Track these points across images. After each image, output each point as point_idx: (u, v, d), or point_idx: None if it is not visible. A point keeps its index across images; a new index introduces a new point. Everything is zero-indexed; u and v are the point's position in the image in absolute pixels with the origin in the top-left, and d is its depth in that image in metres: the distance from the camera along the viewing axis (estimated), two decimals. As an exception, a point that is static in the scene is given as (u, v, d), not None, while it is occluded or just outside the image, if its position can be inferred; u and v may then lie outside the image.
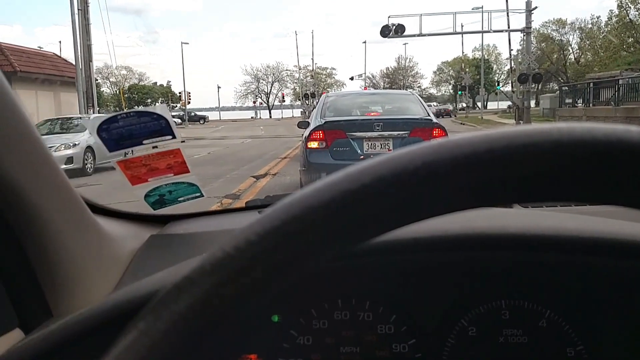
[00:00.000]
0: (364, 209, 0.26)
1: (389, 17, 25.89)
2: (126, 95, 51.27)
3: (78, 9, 15.93)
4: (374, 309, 0.69)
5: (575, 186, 0.26)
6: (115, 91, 58.65)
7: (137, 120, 0.69)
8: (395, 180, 0.26)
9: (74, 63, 16.11)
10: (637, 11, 38.07)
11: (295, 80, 65.96)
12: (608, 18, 42.81)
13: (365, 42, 70.67)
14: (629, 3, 38.29)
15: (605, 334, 0.67)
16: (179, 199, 0.87)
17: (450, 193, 0.26)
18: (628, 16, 38.66)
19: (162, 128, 0.70)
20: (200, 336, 0.27)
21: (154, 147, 0.75)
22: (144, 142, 0.71)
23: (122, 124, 0.69)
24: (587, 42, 47.94)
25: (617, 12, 40.30)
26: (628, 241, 0.59)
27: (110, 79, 62.37)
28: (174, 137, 0.72)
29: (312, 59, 58.87)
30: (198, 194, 0.90)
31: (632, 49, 38.83)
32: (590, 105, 21.50)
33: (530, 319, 0.68)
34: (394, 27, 25.02)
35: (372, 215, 0.26)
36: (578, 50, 49.45)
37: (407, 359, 0.67)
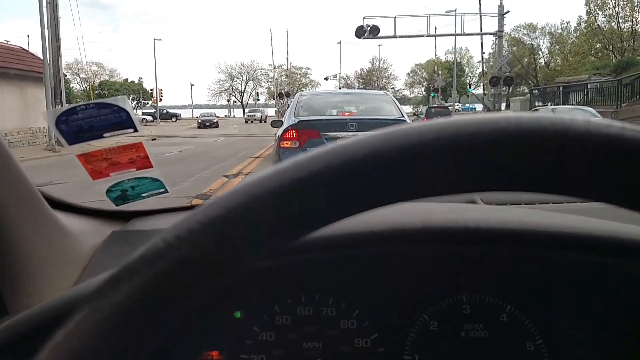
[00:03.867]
0: (312, 197, 0.25)
1: (363, 18, 26.10)
2: (96, 92, 50.30)
3: (47, 2, 15.54)
4: (337, 304, 0.69)
5: (523, 175, 0.26)
6: (85, 87, 57.53)
7: (97, 112, 0.67)
8: (343, 169, 0.25)
9: (42, 58, 15.70)
10: (605, 17, 39.16)
11: (270, 79, 65.75)
12: (577, 24, 43.97)
13: (340, 43, 70.88)
14: (597, 9, 39.35)
15: (563, 328, 0.68)
16: (143, 195, 0.86)
17: (398, 182, 0.26)
18: (596, 22, 39.73)
19: (122, 121, 0.68)
20: (143, 328, 0.25)
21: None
22: (105, 135, 0.69)
23: (82, 116, 0.67)
24: (557, 46, 49.05)
25: (585, 18, 41.38)
26: (587, 236, 0.60)
27: (81, 75, 61.24)
28: (136, 130, 0.71)
29: (287, 58, 58.75)
30: (162, 190, 0.88)
31: (599, 54, 39.91)
32: (559, 108, 22.03)
33: (490, 313, 0.69)
34: (369, 28, 25.21)
35: (320, 204, 0.26)
36: (548, 55, 50.56)
37: (369, 354, 0.68)
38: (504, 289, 0.69)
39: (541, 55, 50.80)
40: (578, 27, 44.05)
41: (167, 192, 0.89)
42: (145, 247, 0.26)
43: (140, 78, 68.83)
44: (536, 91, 31.32)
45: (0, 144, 0.64)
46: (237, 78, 70.26)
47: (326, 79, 58.46)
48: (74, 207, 0.88)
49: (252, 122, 42.62)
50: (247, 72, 69.98)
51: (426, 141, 0.25)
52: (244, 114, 57.37)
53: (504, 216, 0.65)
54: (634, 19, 37.73)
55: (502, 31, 26.90)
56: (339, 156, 0.26)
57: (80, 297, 0.51)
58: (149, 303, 0.25)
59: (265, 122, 38.64)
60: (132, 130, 0.70)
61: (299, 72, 69.09)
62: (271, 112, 56.43)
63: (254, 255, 0.26)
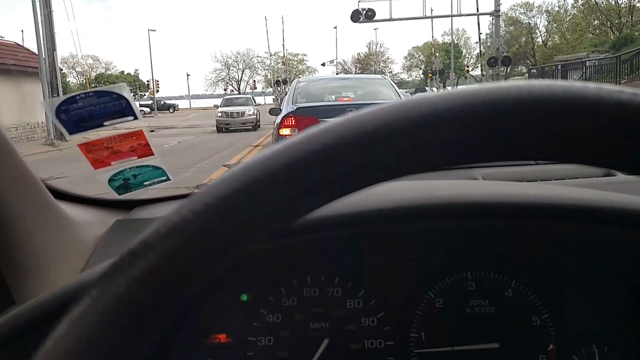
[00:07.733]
0: (325, 169, 0.25)
1: (359, 1, 25.84)
2: (93, 85, 50.07)
3: (40, -4, 15.40)
4: (343, 284, 0.69)
5: (535, 143, 0.25)
6: (82, 81, 57.25)
7: (97, 100, 0.67)
8: (355, 140, 0.25)
9: (37, 52, 15.60)
10: (602, -7, 38.79)
11: (267, 67, 65.31)
12: (574, 0, 43.56)
13: (336, 28, 70.31)
14: (593, -14, 38.98)
15: (569, 302, 0.69)
16: (145, 183, 0.85)
17: (410, 152, 0.25)
18: (593, -1, 39.37)
19: (122, 108, 0.68)
20: (158, 303, 0.25)
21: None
22: (105, 123, 0.69)
23: (82, 104, 0.67)
24: (554, 24, 48.67)
25: (582, -5, 40.99)
26: (591, 207, 0.60)
27: (77, 69, 60.88)
28: (135, 117, 0.70)
29: (283, 45, 58.29)
30: (164, 177, 0.88)
31: (597, 31, 39.60)
32: (558, 87, 21.91)
33: (496, 289, 0.69)
34: (365, 11, 25.02)
35: (333, 176, 0.26)
36: (546, 33, 50.17)
37: (376, 332, 0.68)
38: (509, 265, 0.69)
39: (539, 34, 50.42)
40: (575, 4, 43.71)
41: (170, 179, 0.89)
42: (161, 222, 0.26)
43: (137, 70, 68.57)
44: (534, 70, 31.20)
45: (2, 136, 0.64)
46: (233, 67, 69.82)
47: (323, 64, 58.04)
48: (77, 197, 0.88)
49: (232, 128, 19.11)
50: (243, 61, 69.52)
51: (440, 111, 0.25)
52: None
53: (507, 190, 0.65)
54: (631, -6, 37.38)
55: (499, 11, 26.68)
56: (352, 128, 0.25)
57: (88, 283, 0.52)
58: (164, 277, 0.25)
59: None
60: (132, 118, 0.70)
61: (296, 58, 68.64)
62: (269, 100, 55.94)
63: (270, 229, 0.26)
